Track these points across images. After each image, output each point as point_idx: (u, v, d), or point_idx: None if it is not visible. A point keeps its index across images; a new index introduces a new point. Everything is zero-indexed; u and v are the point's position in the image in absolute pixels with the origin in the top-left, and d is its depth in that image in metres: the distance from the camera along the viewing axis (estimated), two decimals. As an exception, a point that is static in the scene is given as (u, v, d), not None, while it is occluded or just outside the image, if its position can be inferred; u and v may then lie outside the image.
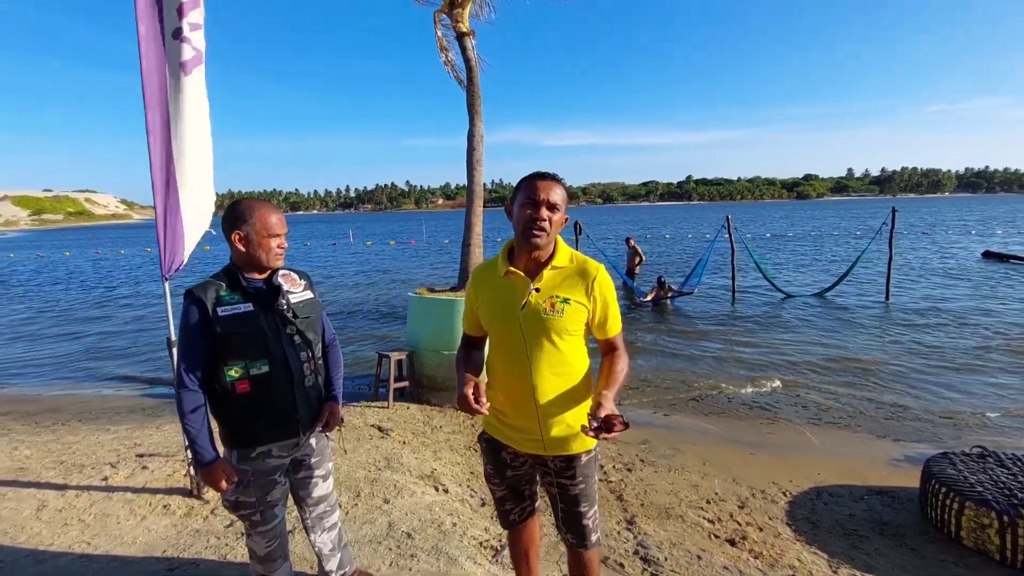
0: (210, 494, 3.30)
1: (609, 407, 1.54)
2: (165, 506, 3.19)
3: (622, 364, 1.76)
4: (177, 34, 2.99)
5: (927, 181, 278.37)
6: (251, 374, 1.88)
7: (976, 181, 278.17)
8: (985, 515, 3.01)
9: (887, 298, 11.76)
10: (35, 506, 3.20)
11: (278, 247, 1.97)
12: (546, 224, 1.69)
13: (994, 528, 2.98)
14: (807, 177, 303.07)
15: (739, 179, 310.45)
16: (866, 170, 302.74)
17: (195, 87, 3.09)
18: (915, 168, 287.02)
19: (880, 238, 12.89)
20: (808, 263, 19.57)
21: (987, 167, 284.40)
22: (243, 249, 1.92)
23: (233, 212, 1.93)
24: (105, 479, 3.59)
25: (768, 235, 33.45)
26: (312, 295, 2.12)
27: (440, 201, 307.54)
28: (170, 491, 3.39)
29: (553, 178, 1.73)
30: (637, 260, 13.30)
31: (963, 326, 9.27)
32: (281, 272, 2.05)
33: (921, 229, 34.13)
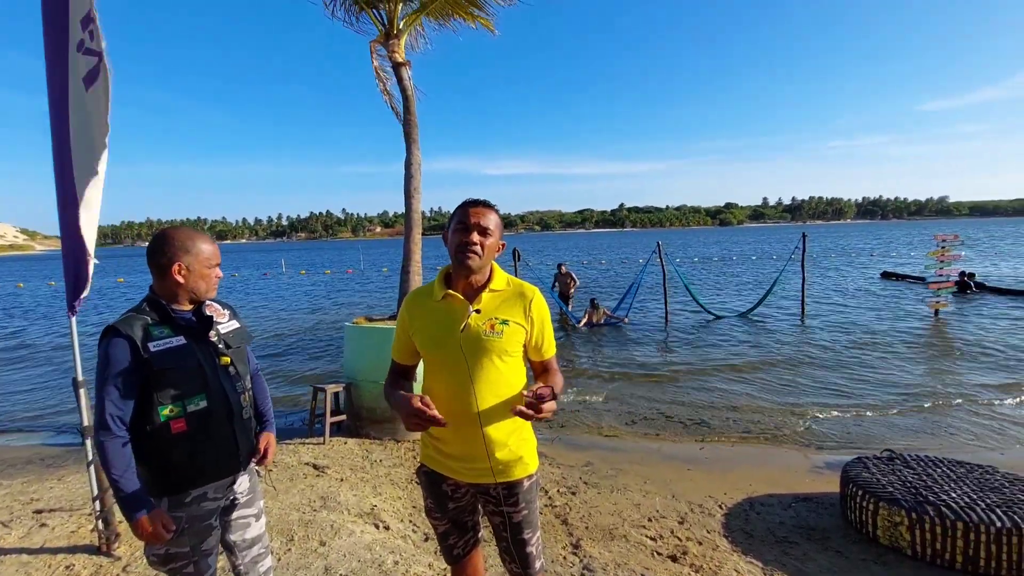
0: (121, 549, 3.00)
1: (543, 389, 1.57)
2: (68, 567, 2.86)
3: (558, 378, 1.81)
4: (81, 46, 2.82)
5: (831, 209, 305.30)
6: (188, 411, 1.76)
7: (872, 209, 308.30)
8: (896, 513, 3.25)
9: (802, 316, 12.67)
10: (-97, 579, 2.78)
11: (216, 277, 1.90)
12: (478, 248, 1.71)
13: (905, 525, 3.21)
14: (728, 205, 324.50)
15: (668, 207, 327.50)
16: (779, 199, 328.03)
17: (98, 101, 2.88)
18: (821, 197, 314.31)
19: (793, 262, 13.95)
20: (732, 285, 20.79)
21: (881, 196, 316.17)
22: (181, 281, 1.81)
23: (173, 242, 1.81)
24: (-7, 541, 3.17)
25: (696, 259, 35.32)
26: (239, 324, 2.04)
27: (378, 229, 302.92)
28: (73, 550, 3.04)
29: (485, 204, 1.77)
30: (571, 283, 13.53)
31: (868, 339, 10.12)
32: (207, 303, 1.95)
33: (830, 253, 37.20)
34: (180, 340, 1.79)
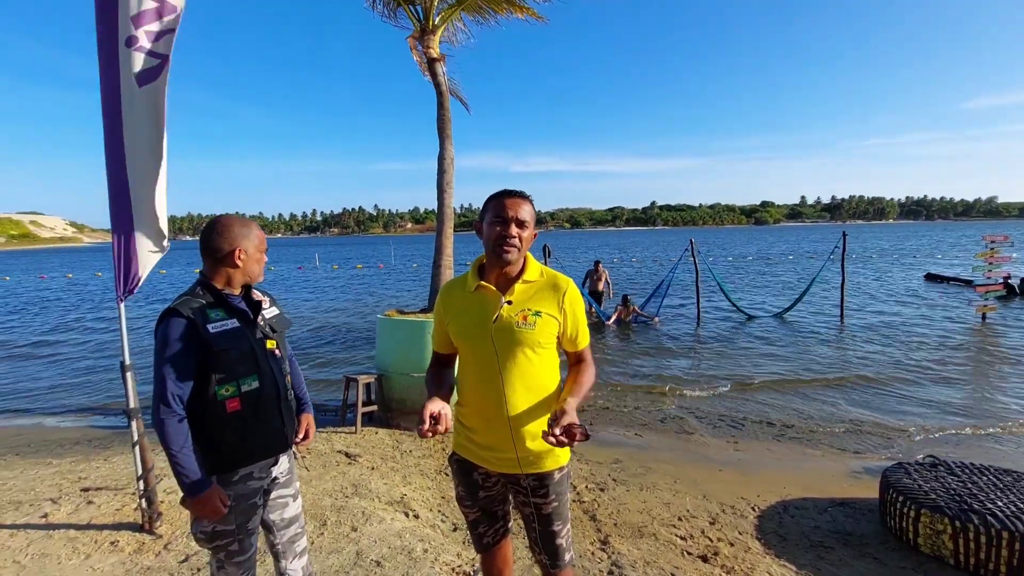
0: (163, 528, 3.12)
1: (571, 416, 1.53)
2: (113, 543, 3.00)
3: (589, 375, 1.78)
4: (129, 43, 2.92)
5: (873, 208, 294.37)
6: (242, 391, 1.83)
7: (916, 209, 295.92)
8: (939, 521, 3.12)
9: (841, 318, 12.25)
10: (-37, 549, 2.95)
11: (264, 264, 2.01)
12: (516, 240, 1.71)
13: (948, 533, 3.08)
14: (764, 203, 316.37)
15: (701, 205, 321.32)
16: (818, 198, 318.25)
17: (153, 98, 2.99)
18: (862, 196, 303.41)
19: (832, 262, 13.50)
20: (767, 285, 20.27)
21: (926, 196, 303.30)
22: (240, 265, 1.90)
23: (231, 229, 1.91)
24: (45, 516, 3.34)
25: (730, 258, 34.56)
26: (279, 311, 2.12)
27: (409, 225, 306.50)
28: (118, 527, 3.18)
29: (521, 195, 1.76)
30: (603, 284, 13.23)
31: (909, 342, 9.72)
32: (253, 290, 2.04)
33: (869, 253, 35.87)
34: (235, 323, 1.87)
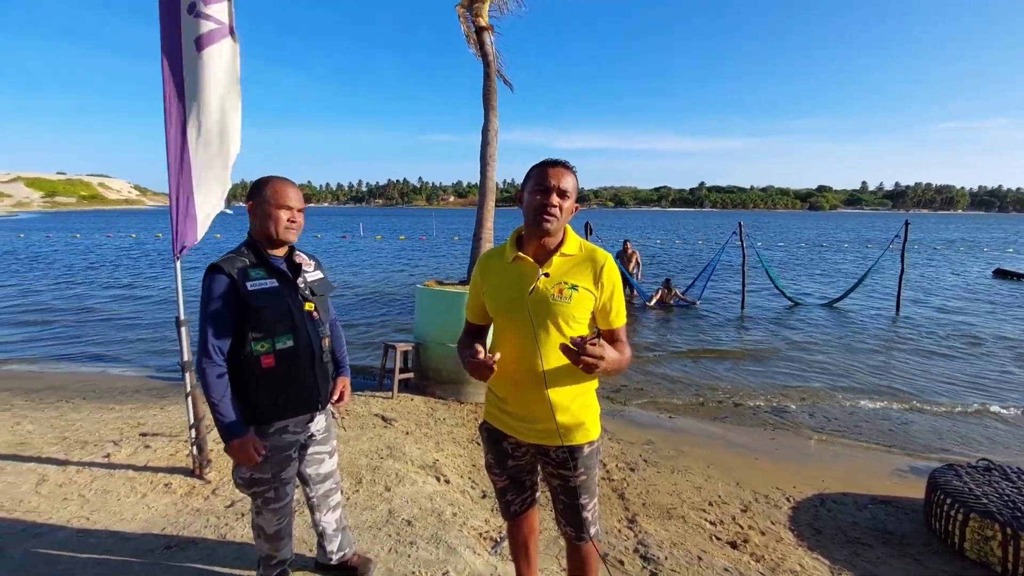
0: (212, 474, 3.31)
1: (593, 339, 1.50)
2: (166, 485, 3.20)
3: (625, 351, 1.74)
4: (192, 9, 2.99)
5: (940, 198, 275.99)
6: (276, 348, 1.91)
7: (989, 200, 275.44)
8: (989, 527, 2.97)
9: (897, 311, 11.64)
10: (35, 480, 3.22)
11: (288, 220, 1.95)
12: (556, 210, 1.67)
13: (997, 540, 2.93)
14: (821, 188, 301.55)
15: (752, 188, 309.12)
16: (880, 184, 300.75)
17: (213, 64, 3.07)
18: (929, 184, 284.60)
19: (892, 251, 12.78)
20: (819, 273, 19.43)
21: (1000, 186, 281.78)
22: (254, 220, 1.96)
23: (252, 185, 2.00)
24: (107, 456, 3.60)
25: (781, 243, 33.27)
26: (323, 275, 2.17)
27: (451, 199, 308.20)
28: (172, 470, 3.40)
29: (564, 165, 1.72)
30: (633, 265, 12.69)
31: (971, 342, 9.16)
32: (297, 253, 2.09)
33: (934, 245, 33.80)
34: (273, 282, 1.93)
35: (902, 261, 11.87)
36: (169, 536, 2.64)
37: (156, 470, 3.39)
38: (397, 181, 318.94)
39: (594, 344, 1.47)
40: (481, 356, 1.59)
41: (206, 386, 1.83)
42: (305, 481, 2.17)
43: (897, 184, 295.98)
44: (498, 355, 1.59)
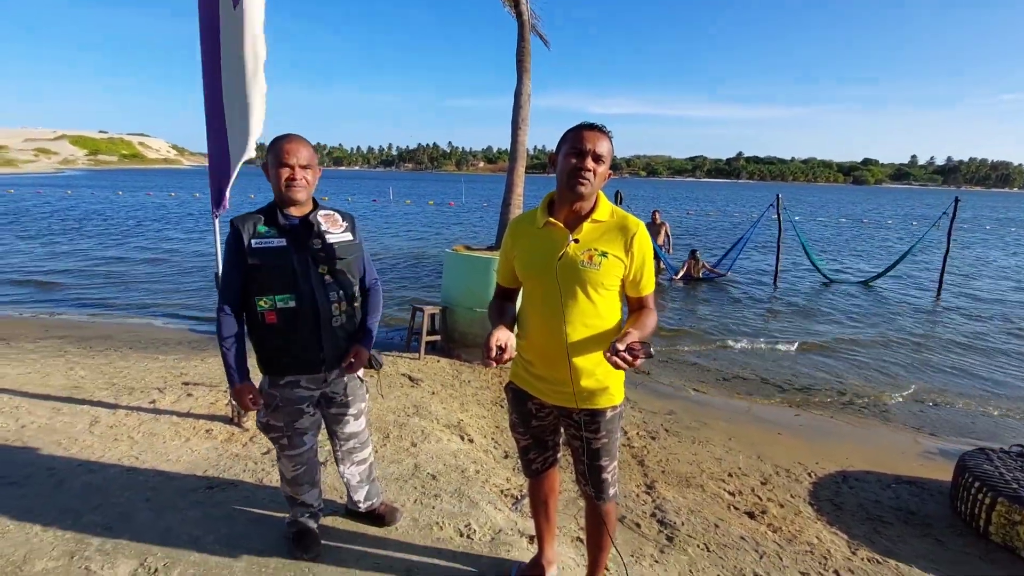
0: (250, 423, 3.49)
1: (633, 338, 1.51)
2: (207, 431, 3.39)
3: (651, 319, 1.75)
4: None
5: (995, 174, 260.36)
6: (278, 307, 1.95)
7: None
8: (1017, 512, 2.92)
9: (938, 292, 11.21)
10: (88, 421, 3.44)
11: (288, 178, 1.92)
12: (590, 175, 1.66)
13: (1026, 526, 2.88)
14: (866, 161, 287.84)
15: (793, 159, 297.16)
16: (931, 158, 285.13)
17: (250, 17, 3.06)
18: (984, 160, 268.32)
19: (938, 230, 12.22)
20: (858, 251, 18.77)
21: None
22: (268, 180, 1.99)
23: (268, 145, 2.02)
24: (153, 402, 3.82)
25: (820, 218, 32.14)
26: (352, 237, 2.13)
27: (481, 164, 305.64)
28: (212, 418, 3.59)
29: (600, 129, 1.69)
30: (662, 239, 12.14)
31: (1013, 326, 8.79)
32: (323, 212, 2.08)
33: (985, 224, 32.15)
34: (281, 242, 1.96)
35: (948, 240, 11.35)
36: (211, 478, 2.81)
37: (198, 417, 3.59)
38: (427, 145, 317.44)
39: (632, 345, 1.48)
40: (492, 343, 1.57)
41: (217, 331, 1.98)
42: (331, 435, 2.28)
43: (949, 159, 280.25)
44: (507, 356, 1.59)
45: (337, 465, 2.34)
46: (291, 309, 1.95)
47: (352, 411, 2.24)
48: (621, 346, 1.47)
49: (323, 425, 2.26)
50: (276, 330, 1.97)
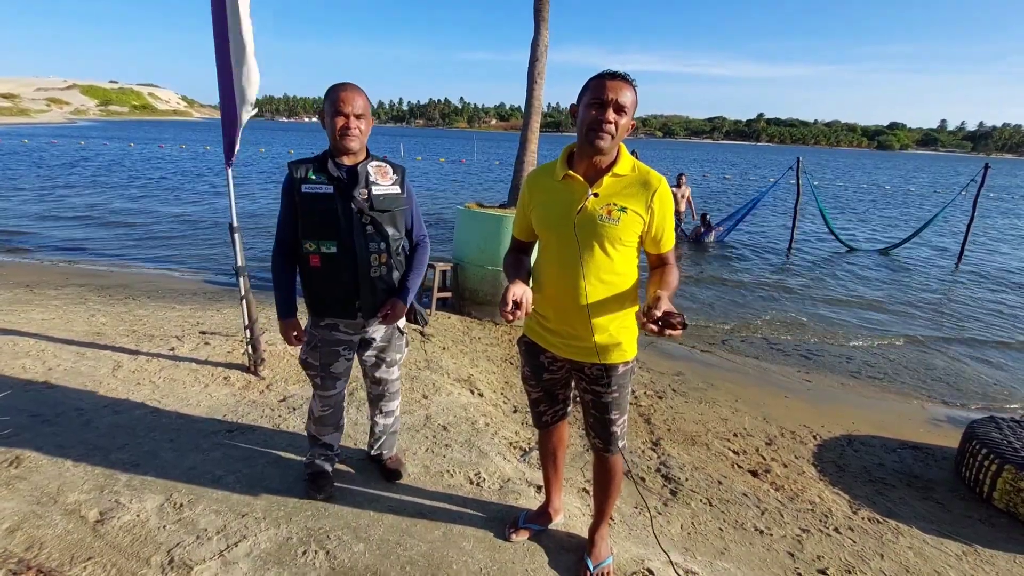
0: (266, 372, 3.57)
1: (667, 305, 1.49)
2: (225, 378, 3.48)
3: (675, 275, 1.73)
4: None
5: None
6: (321, 251, 2.02)
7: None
8: (1023, 479, 2.94)
9: (959, 260, 11.01)
10: (111, 366, 3.54)
11: (342, 127, 1.94)
12: (612, 127, 1.61)
13: (1031, 493, 2.91)
14: (892, 126, 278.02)
15: (816, 122, 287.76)
16: (962, 123, 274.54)
17: None
18: (1018, 126, 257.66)
19: (964, 197, 11.88)
20: (879, 218, 18.37)
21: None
22: (324, 128, 2.01)
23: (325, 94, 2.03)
24: (172, 349, 3.92)
25: (840, 183, 31.36)
26: (399, 191, 2.12)
27: (493, 122, 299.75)
28: (230, 366, 3.68)
29: (623, 78, 1.62)
30: (683, 204, 11.78)
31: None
32: (375, 163, 2.09)
33: (1014, 192, 31.19)
34: (328, 189, 1.99)
35: (973, 209, 11.06)
36: (230, 422, 2.91)
37: (216, 364, 3.68)
38: (438, 101, 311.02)
39: (668, 315, 1.45)
40: (510, 297, 1.55)
41: (272, 271, 2.10)
42: (365, 376, 2.37)
43: (981, 124, 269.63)
44: (523, 312, 1.56)
45: (369, 407, 2.44)
46: (332, 255, 2.02)
47: (386, 358, 2.30)
48: (658, 312, 1.44)
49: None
50: (319, 273, 2.05)
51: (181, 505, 2.19)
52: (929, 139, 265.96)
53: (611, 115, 1.60)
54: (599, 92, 1.60)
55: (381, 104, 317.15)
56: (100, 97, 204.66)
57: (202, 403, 3.12)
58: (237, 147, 3.33)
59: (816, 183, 20.57)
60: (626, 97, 1.60)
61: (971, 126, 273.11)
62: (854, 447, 3.77)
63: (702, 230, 11.59)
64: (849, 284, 8.99)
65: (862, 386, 5.07)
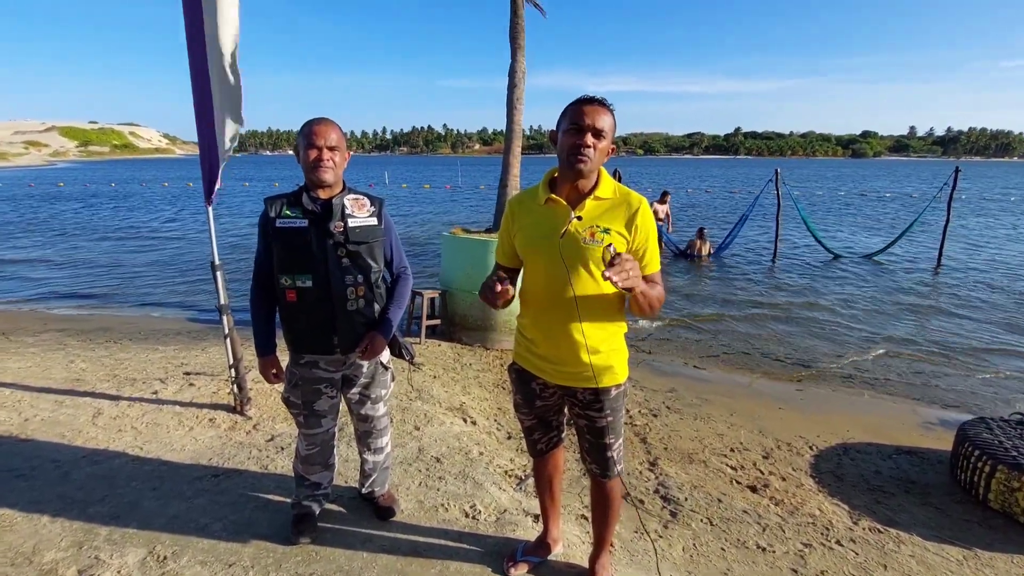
0: (253, 411, 3.49)
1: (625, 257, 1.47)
2: (211, 420, 3.40)
3: (657, 288, 1.71)
4: None
5: (995, 144, 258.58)
6: (297, 286, 2.00)
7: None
8: (1016, 479, 2.95)
9: (938, 263, 11.22)
10: (91, 413, 3.44)
11: (314, 159, 1.93)
12: (591, 151, 1.62)
13: (1023, 492, 2.91)
14: (865, 134, 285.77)
15: (791, 133, 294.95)
16: (931, 129, 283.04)
17: (225, 4, 2.98)
18: (984, 129, 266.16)
19: (939, 201, 12.16)
20: (861, 225, 18.71)
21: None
22: (299, 162, 2.02)
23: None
24: (155, 392, 3.82)
25: (819, 192, 31.99)
26: (376, 222, 2.09)
27: (477, 146, 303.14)
28: (215, 407, 3.59)
29: (601, 103, 1.64)
30: (662, 216, 12.16)
31: (1015, 298, 8.80)
32: (352, 196, 2.07)
33: (985, 194, 32.02)
34: (303, 223, 1.97)
35: (948, 210, 11.32)
36: (216, 467, 2.82)
37: (200, 406, 3.59)
38: (421, 128, 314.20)
39: (623, 259, 1.44)
40: (494, 279, 1.63)
41: (251, 308, 2.11)
42: (351, 415, 2.32)
43: (949, 129, 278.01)
44: (510, 288, 1.65)
45: (357, 444, 2.38)
46: (307, 288, 1.99)
47: (371, 395, 2.23)
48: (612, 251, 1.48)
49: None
50: (295, 308, 2.02)
51: (165, 558, 2.10)
52: (901, 145, 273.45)
53: (589, 139, 1.61)
54: (577, 118, 1.62)
55: (365, 134, 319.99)
56: (80, 138, 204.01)
57: (186, 447, 3.03)
58: (218, 184, 3.30)
59: (797, 192, 20.97)
60: (604, 121, 1.62)
61: (940, 131, 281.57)
62: (850, 455, 3.76)
63: (701, 247, 11.69)
64: (832, 291, 9.09)
65: (854, 392, 5.08)
